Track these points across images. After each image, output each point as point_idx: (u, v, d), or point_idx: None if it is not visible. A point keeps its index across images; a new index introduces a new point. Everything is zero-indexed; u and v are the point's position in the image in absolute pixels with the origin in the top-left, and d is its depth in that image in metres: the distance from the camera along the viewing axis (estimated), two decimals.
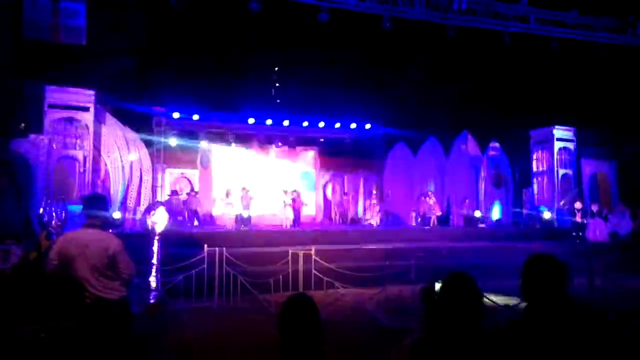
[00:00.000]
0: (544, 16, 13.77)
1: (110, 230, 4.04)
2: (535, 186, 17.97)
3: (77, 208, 11.19)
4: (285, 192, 17.58)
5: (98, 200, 4.18)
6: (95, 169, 12.51)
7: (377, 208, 17.96)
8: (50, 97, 11.28)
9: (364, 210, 20.82)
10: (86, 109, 11.65)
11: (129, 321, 3.86)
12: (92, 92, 11.83)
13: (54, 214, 8.43)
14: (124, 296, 3.85)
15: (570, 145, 17.33)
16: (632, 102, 16.80)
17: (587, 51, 14.78)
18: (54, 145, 11.36)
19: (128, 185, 14.23)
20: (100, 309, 3.77)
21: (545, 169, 17.55)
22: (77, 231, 4.01)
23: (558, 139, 17.14)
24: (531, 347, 2.21)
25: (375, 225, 17.40)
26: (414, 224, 18.47)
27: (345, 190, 21.30)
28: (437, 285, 2.58)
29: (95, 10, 10.90)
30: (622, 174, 17.74)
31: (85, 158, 11.69)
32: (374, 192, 19.24)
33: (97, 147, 12.59)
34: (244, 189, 15.88)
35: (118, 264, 3.80)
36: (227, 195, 15.56)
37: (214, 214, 18.68)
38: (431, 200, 17.93)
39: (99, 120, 12.80)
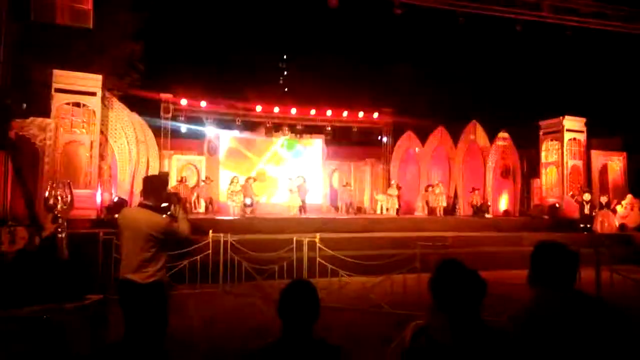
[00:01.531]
0: (557, 4, 13.51)
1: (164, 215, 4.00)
2: (544, 177, 17.79)
3: (83, 192, 11.28)
4: (291, 179, 17.57)
5: (153, 182, 4.18)
6: (102, 154, 12.52)
7: (396, 199, 17.82)
8: (57, 81, 11.27)
9: (371, 199, 20.76)
10: (93, 94, 11.62)
11: (154, 306, 3.81)
12: (99, 77, 11.79)
13: (59, 198, 8.47)
14: (156, 281, 3.81)
15: (580, 136, 17.11)
16: None
17: (600, 40, 14.52)
18: (61, 130, 11.37)
19: (135, 171, 14.24)
20: (126, 291, 3.80)
21: (554, 159, 17.34)
22: (132, 208, 4.07)
23: (568, 130, 16.91)
24: (538, 337, 2.17)
25: (395, 214, 17.27)
26: (421, 213, 18.41)
27: (352, 179, 21.23)
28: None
29: None
30: (632, 166, 17.52)
31: (92, 143, 11.69)
32: (393, 182, 19.11)
33: (104, 133, 12.59)
34: (249, 178, 15.87)
35: (170, 236, 3.85)
36: (232, 182, 15.57)
37: (220, 201, 18.74)
38: (438, 190, 17.86)
39: (106, 105, 12.79)
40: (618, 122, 17.73)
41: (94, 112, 11.70)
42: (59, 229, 8.04)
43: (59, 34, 11.46)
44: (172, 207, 4.04)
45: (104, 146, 12.80)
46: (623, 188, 17.32)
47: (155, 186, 4.06)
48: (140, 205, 4.00)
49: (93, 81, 11.62)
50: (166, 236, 3.85)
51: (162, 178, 4.42)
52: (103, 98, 12.37)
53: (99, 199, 12.01)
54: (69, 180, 9.59)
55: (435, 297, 2.13)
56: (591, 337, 2.11)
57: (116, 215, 11.83)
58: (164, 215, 3.92)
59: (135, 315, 3.81)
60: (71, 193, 9.18)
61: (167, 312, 4.00)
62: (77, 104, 11.64)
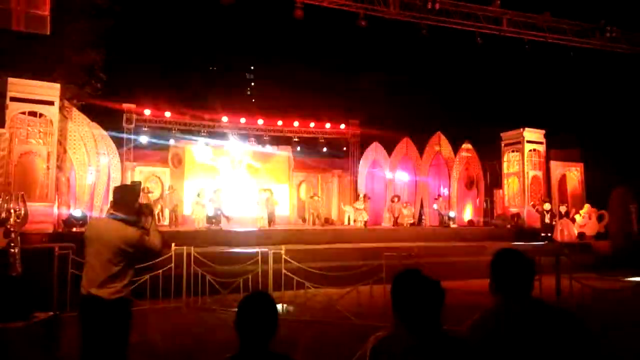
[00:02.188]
0: (516, 18, 13.94)
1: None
2: (506, 187, 18.21)
3: (40, 205, 10.84)
4: (259, 192, 17.36)
5: (125, 192, 3.96)
6: (60, 166, 12.09)
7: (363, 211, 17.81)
8: (12, 90, 10.81)
9: (339, 210, 20.76)
10: (51, 103, 11.20)
11: (117, 325, 3.60)
12: (57, 86, 11.39)
13: (12, 211, 8.10)
14: (122, 298, 3.60)
15: (540, 148, 17.61)
16: (600, 106, 17.20)
17: (558, 54, 15.04)
18: (16, 140, 10.92)
19: (95, 184, 13.83)
20: (88, 307, 3.59)
21: (515, 170, 17.78)
22: (101, 219, 3.83)
23: (528, 141, 17.39)
24: (496, 345, 2.16)
25: (362, 225, 17.27)
26: (388, 224, 18.51)
27: (320, 191, 21.20)
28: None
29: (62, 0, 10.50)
30: (589, 176, 18.13)
31: (49, 154, 11.25)
32: (361, 195, 19.12)
33: (62, 143, 12.17)
34: (216, 190, 15.61)
35: (141, 249, 3.66)
36: (199, 195, 15.27)
37: (185, 213, 18.35)
38: (403, 202, 18.04)
39: (65, 115, 12.39)
40: (576, 134, 18.35)
41: (51, 122, 11.28)
42: (12, 244, 7.68)
43: (14, 41, 11.04)
44: (144, 219, 3.87)
45: (62, 158, 12.37)
46: (581, 198, 17.89)
47: (126, 196, 3.86)
48: (110, 216, 3.81)
49: (51, 90, 11.21)
50: (137, 250, 3.66)
51: (134, 188, 4.21)
52: (62, 108, 11.98)
53: (56, 212, 11.56)
54: (22, 193, 9.20)
55: (395, 307, 2.09)
56: (548, 344, 2.11)
57: (74, 229, 11.47)
58: (134, 228, 3.75)
59: (96, 334, 3.59)
60: (25, 206, 8.81)
61: (129, 333, 3.81)
62: (34, 114, 11.21)
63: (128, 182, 15.58)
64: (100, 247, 3.59)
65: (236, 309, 2.18)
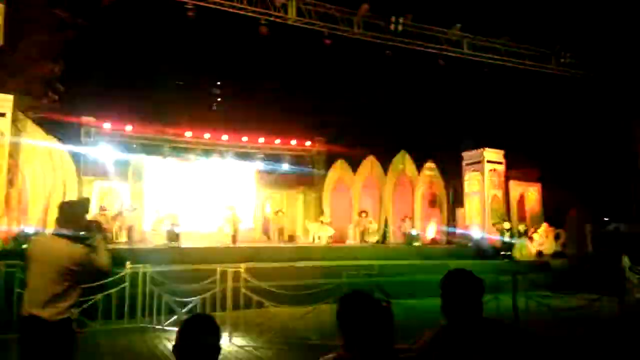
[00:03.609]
0: (476, 42, 14.37)
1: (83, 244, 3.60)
2: (467, 206, 18.52)
3: None
4: (226, 207, 17.05)
5: (71, 208, 3.75)
6: (12, 180, 11.56)
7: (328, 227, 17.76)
8: None
9: (303, 227, 20.63)
10: (2, 115, 10.76)
11: (60, 347, 3.37)
12: (10, 97, 10.96)
13: None
14: (64, 318, 3.39)
15: (500, 167, 18.05)
16: (556, 128, 17.81)
17: (516, 77, 15.55)
18: None
19: (49, 199, 13.28)
20: (28, 329, 3.37)
21: (476, 189, 18.13)
22: (44, 236, 3.62)
23: (488, 161, 17.79)
24: None
25: (327, 242, 17.19)
26: (352, 241, 18.50)
27: (285, 207, 21.03)
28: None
29: (16, 10, 10.15)
30: (546, 195, 18.66)
31: (0, 167, 10.76)
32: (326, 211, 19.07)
33: (14, 157, 11.66)
34: (172, 216, 15.26)
35: (88, 268, 3.47)
36: (157, 211, 14.89)
37: (145, 230, 17.85)
38: (368, 219, 18.10)
39: (18, 128, 11.91)
40: (534, 155, 18.91)
41: (2, 134, 10.82)
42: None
43: None
44: (92, 237, 3.70)
45: (14, 172, 11.84)
46: (539, 217, 18.37)
47: (72, 213, 3.68)
48: (55, 234, 3.60)
49: (3, 101, 10.79)
50: (84, 269, 3.48)
51: (81, 204, 4.03)
52: (15, 120, 11.52)
53: (5, 229, 11.02)
54: None
55: (340, 330, 2.04)
56: None
57: (24, 246, 10.93)
58: (86, 247, 3.57)
59: (36, 357, 3.39)
60: None
61: (74, 355, 3.59)
62: None
63: (85, 196, 15.06)
64: (44, 266, 3.40)
65: (177, 334, 2.07)
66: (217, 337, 2.08)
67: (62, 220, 3.64)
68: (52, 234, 3.63)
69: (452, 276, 2.31)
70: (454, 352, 2.15)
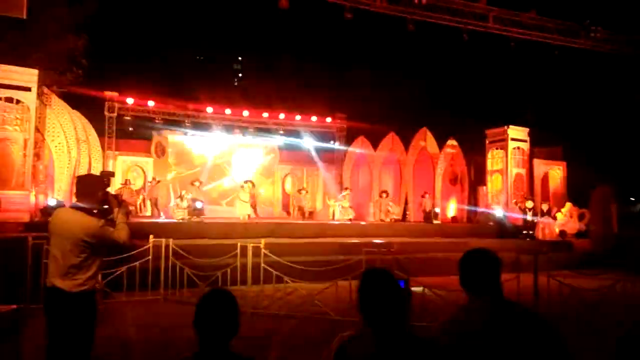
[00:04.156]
0: (502, 15, 13.93)
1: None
2: (489, 184, 18.27)
3: (16, 194, 10.60)
4: (242, 186, 17.17)
5: (87, 182, 3.86)
6: (38, 154, 11.81)
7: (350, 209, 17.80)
8: None
9: (324, 204, 20.69)
10: (28, 89, 10.91)
11: (80, 318, 3.50)
12: (35, 72, 11.09)
13: None
14: (86, 290, 3.51)
15: (524, 145, 17.69)
16: (584, 106, 17.33)
17: (543, 53, 15.08)
18: None
19: (74, 172, 13.55)
20: (51, 299, 3.50)
21: (499, 167, 17.84)
22: (63, 210, 3.74)
23: (512, 139, 17.45)
24: (463, 344, 2.14)
25: (347, 219, 17.25)
26: (372, 219, 18.50)
27: (305, 184, 21.11)
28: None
29: None
30: (571, 175, 18.28)
31: (26, 141, 10.98)
32: (345, 189, 19.05)
33: (40, 131, 11.88)
34: (194, 181, 15.44)
35: (103, 241, 3.57)
36: (181, 199, 15.09)
37: (169, 204, 18.13)
38: (388, 201, 18.01)
39: (43, 102, 12.09)
40: (559, 133, 18.49)
41: (28, 108, 11.00)
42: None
43: None
44: (110, 210, 3.76)
45: (41, 145, 12.09)
46: (563, 196, 18.04)
47: (89, 186, 3.76)
48: (73, 207, 3.69)
49: (28, 75, 10.91)
50: (99, 241, 3.56)
51: (98, 178, 4.08)
52: (40, 94, 11.69)
53: (33, 201, 11.30)
54: None
55: (360, 307, 2.04)
56: (515, 345, 2.09)
57: (50, 219, 11.25)
58: (102, 220, 3.64)
59: (59, 326, 3.50)
60: None
61: (95, 326, 3.70)
62: (10, 100, 10.92)
63: (110, 170, 15.32)
64: (62, 238, 3.49)
65: (195, 307, 2.09)
66: (236, 312, 2.10)
67: (79, 193, 3.73)
68: (70, 206, 3.70)
69: (470, 256, 2.30)
70: (473, 332, 2.14)
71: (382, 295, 2.01)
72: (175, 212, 15.00)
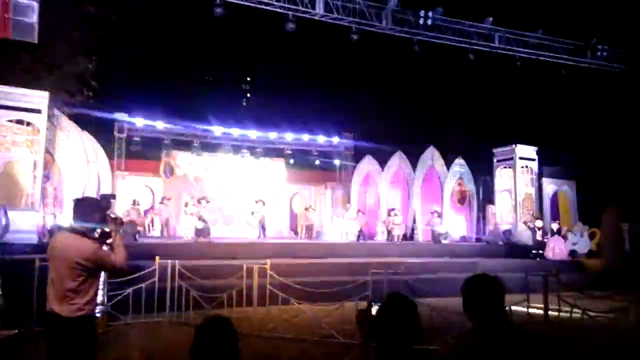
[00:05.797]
0: (508, 35, 14.00)
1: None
2: (498, 203, 18.13)
3: (24, 215, 10.67)
4: (256, 202, 17.16)
5: (85, 204, 3.83)
6: (48, 175, 11.93)
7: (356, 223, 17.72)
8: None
9: (331, 223, 20.62)
10: (38, 111, 11.08)
11: (79, 344, 3.44)
12: (45, 94, 11.27)
13: None
14: (84, 315, 3.46)
15: (532, 164, 17.58)
16: (591, 124, 17.24)
17: (550, 72, 15.09)
18: (3, 147, 10.78)
19: (84, 193, 13.65)
20: (49, 324, 3.46)
21: (507, 186, 17.72)
22: (62, 233, 3.70)
23: (520, 158, 17.36)
24: None
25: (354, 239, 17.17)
26: (381, 238, 18.38)
27: (313, 203, 21.08)
28: (374, 308, 2.46)
29: (50, 8, 10.40)
30: (581, 194, 18.10)
31: (35, 163, 11.10)
32: (348, 206, 18.98)
33: (50, 152, 12.02)
34: (201, 200, 15.48)
35: (99, 264, 3.54)
36: (186, 205, 15.13)
37: (175, 224, 18.17)
38: (397, 218, 17.90)
39: (53, 124, 12.25)
40: (568, 151, 18.37)
41: (38, 130, 11.15)
42: None
43: (1, 48, 10.92)
44: (107, 233, 3.76)
45: (51, 167, 12.22)
46: (573, 215, 17.84)
47: (86, 209, 3.76)
48: (69, 229, 3.69)
49: (38, 98, 11.09)
50: (94, 265, 3.54)
51: (96, 200, 4.09)
52: (51, 116, 11.85)
53: (41, 223, 11.37)
54: (4, 203, 9.05)
55: (370, 332, 2.07)
56: None
57: None
58: (98, 243, 3.63)
59: (57, 352, 3.47)
60: (6, 216, 8.65)
61: (95, 352, 3.66)
62: (21, 122, 11.08)
63: (110, 192, 15.36)
64: (59, 262, 3.47)
65: (193, 335, 2.07)
66: (234, 340, 2.07)
67: (76, 216, 3.71)
68: (67, 229, 3.69)
69: (471, 283, 2.28)
70: (479, 357, 2.12)
71: (405, 320, 2.06)
72: (183, 232, 15.04)
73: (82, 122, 14.53)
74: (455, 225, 18.84)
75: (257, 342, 7.02)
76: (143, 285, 8.38)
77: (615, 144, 17.55)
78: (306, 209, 19.28)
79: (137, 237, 14.17)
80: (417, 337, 2.14)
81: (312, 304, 8.47)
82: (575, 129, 17.50)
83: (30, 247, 10.11)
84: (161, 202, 17.55)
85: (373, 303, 2.91)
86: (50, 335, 3.47)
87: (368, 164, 20.46)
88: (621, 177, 16.84)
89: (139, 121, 18.56)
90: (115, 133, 18.17)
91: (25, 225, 10.49)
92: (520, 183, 17.27)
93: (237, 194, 20.18)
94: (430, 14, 12.44)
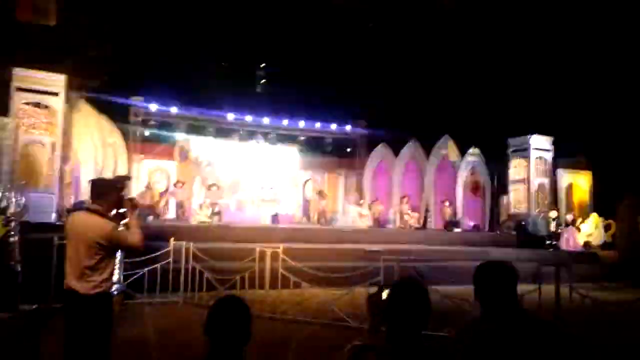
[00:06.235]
0: None
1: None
2: (512, 193, 18.00)
3: (43, 195, 10.89)
4: (262, 188, 17.33)
5: (101, 185, 3.99)
6: (65, 157, 12.12)
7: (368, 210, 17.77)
8: (17, 80, 10.87)
9: (344, 210, 20.67)
10: (55, 94, 11.24)
11: (96, 320, 3.57)
12: (62, 77, 11.42)
13: (13, 200, 8.14)
14: (101, 292, 3.59)
15: (547, 155, 17.40)
16: (608, 114, 16.96)
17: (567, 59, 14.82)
18: (21, 130, 10.97)
19: (101, 175, 13.84)
20: (67, 301, 3.59)
21: (522, 177, 17.56)
22: (79, 212, 3.81)
23: (535, 148, 17.18)
24: (477, 354, 2.17)
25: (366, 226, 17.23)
26: (392, 225, 18.40)
27: (325, 189, 21.12)
28: (385, 293, 2.48)
29: None
30: (596, 185, 17.89)
31: (53, 144, 11.29)
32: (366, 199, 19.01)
33: (67, 134, 12.20)
34: (211, 185, 15.61)
35: (115, 243, 3.66)
36: (200, 207, 15.32)
37: (193, 207, 18.33)
38: (408, 205, 17.90)
39: (71, 106, 12.41)
40: (584, 142, 18.10)
41: (56, 112, 11.32)
42: (11, 233, 7.71)
43: (19, 31, 11.06)
44: (124, 213, 3.86)
45: (68, 148, 12.41)
46: (588, 206, 17.66)
47: (102, 189, 3.87)
48: (87, 209, 3.78)
49: (56, 81, 11.25)
50: (112, 244, 3.65)
51: (112, 181, 4.20)
52: (68, 99, 12.01)
53: (59, 203, 11.60)
54: (23, 182, 9.24)
55: (385, 316, 2.07)
56: (527, 355, 2.08)
57: None
58: (116, 222, 3.73)
59: (75, 328, 3.59)
60: (25, 196, 8.83)
61: (111, 328, 3.77)
62: (38, 104, 11.25)
63: (126, 174, 15.56)
64: (76, 240, 3.58)
65: (207, 314, 2.12)
66: (247, 320, 2.11)
67: (93, 196, 3.82)
68: (84, 209, 3.79)
69: (483, 269, 2.29)
70: (489, 343, 2.15)
71: (413, 307, 2.04)
72: (196, 216, 15.20)
73: (99, 105, 14.67)
74: (468, 215, 18.76)
75: (269, 323, 7.13)
76: (158, 265, 8.55)
77: (632, 134, 17.23)
78: (318, 193, 19.28)
79: (149, 218, 14.37)
80: (427, 322, 2.15)
81: (323, 288, 8.57)
82: (591, 118, 17.22)
83: (49, 226, 10.35)
84: (175, 185, 17.76)
85: (384, 288, 2.95)
86: (68, 311, 3.60)
87: (382, 151, 20.40)
88: (637, 168, 16.57)
89: (154, 106, 18.68)
90: (131, 117, 18.31)
91: (43, 205, 10.71)
92: (534, 173, 17.11)
93: (251, 179, 20.29)
94: None
